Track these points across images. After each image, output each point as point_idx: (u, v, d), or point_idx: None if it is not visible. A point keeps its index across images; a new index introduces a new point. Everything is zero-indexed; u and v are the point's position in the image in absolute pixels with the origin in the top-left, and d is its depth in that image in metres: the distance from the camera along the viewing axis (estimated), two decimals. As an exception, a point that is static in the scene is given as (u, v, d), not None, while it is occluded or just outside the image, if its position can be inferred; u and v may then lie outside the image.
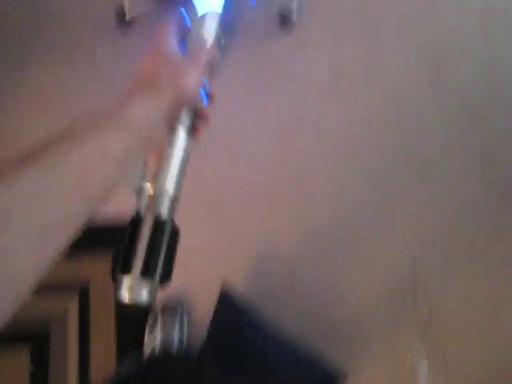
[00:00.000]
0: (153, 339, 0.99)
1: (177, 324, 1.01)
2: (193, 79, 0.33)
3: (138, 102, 0.31)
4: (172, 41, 0.35)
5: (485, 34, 1.44)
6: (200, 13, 0.39)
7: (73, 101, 1.29)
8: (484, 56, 1.43)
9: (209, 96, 0.37)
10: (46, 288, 0.93)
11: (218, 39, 0.37)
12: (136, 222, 0.32)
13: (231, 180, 1.25)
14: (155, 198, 0.33)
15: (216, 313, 0.97)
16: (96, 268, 1.09)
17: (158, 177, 0.33)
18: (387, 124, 1.34)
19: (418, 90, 1.38)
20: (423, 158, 1.31)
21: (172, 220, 0.33)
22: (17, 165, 0.24)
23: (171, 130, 0.35)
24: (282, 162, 1.28)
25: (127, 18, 1.37)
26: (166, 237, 0.32)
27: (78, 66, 1.35)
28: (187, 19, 0.38)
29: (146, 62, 0.34)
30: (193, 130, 0.36)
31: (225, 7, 0.40)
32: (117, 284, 0.31)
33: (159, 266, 0.31)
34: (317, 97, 1.36)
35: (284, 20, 1.39)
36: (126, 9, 1.35)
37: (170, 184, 0.33)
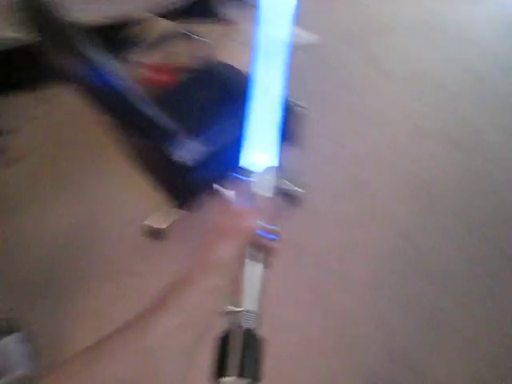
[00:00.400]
0: None
1: None
2: (256, 225, 0.45)
3: (218, 246, 0.42)
4: (236, 197, 0.48)
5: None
6: (260, 169, 0.51)
7: (120, 308, 1.38)
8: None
9: (276, 233, 0.48)
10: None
11: (278, 187, 0.50)
12: (228, 336, 0.42)
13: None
14: (242, 316, 0.43)
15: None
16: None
17: (242, 299, 0.44)
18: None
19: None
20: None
21: (256, 331, 0.42)
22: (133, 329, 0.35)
23: (247, 262, 0.46)
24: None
25: (163, 227, 1.46)
26: (254, 344, 0.41)
27: (119, 279, 1.48)
28: (247, 179, 0.50)
29: (219, 216, 0.47)
30: (265, 261, 0.47)
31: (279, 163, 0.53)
32: None
33: (252, 368, 0.39)
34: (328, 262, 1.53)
35: (292, 200, 1.64)
36: (154, 224, 1.46)
37: (251, 304, 0.44)
